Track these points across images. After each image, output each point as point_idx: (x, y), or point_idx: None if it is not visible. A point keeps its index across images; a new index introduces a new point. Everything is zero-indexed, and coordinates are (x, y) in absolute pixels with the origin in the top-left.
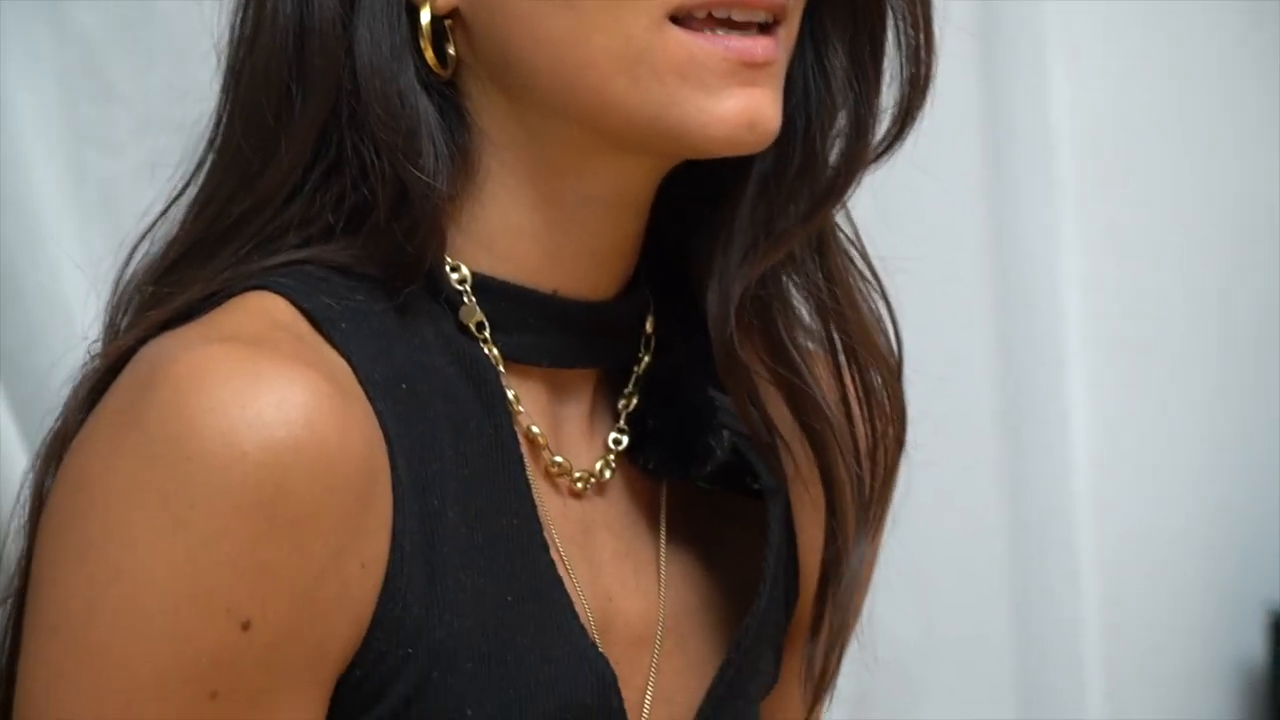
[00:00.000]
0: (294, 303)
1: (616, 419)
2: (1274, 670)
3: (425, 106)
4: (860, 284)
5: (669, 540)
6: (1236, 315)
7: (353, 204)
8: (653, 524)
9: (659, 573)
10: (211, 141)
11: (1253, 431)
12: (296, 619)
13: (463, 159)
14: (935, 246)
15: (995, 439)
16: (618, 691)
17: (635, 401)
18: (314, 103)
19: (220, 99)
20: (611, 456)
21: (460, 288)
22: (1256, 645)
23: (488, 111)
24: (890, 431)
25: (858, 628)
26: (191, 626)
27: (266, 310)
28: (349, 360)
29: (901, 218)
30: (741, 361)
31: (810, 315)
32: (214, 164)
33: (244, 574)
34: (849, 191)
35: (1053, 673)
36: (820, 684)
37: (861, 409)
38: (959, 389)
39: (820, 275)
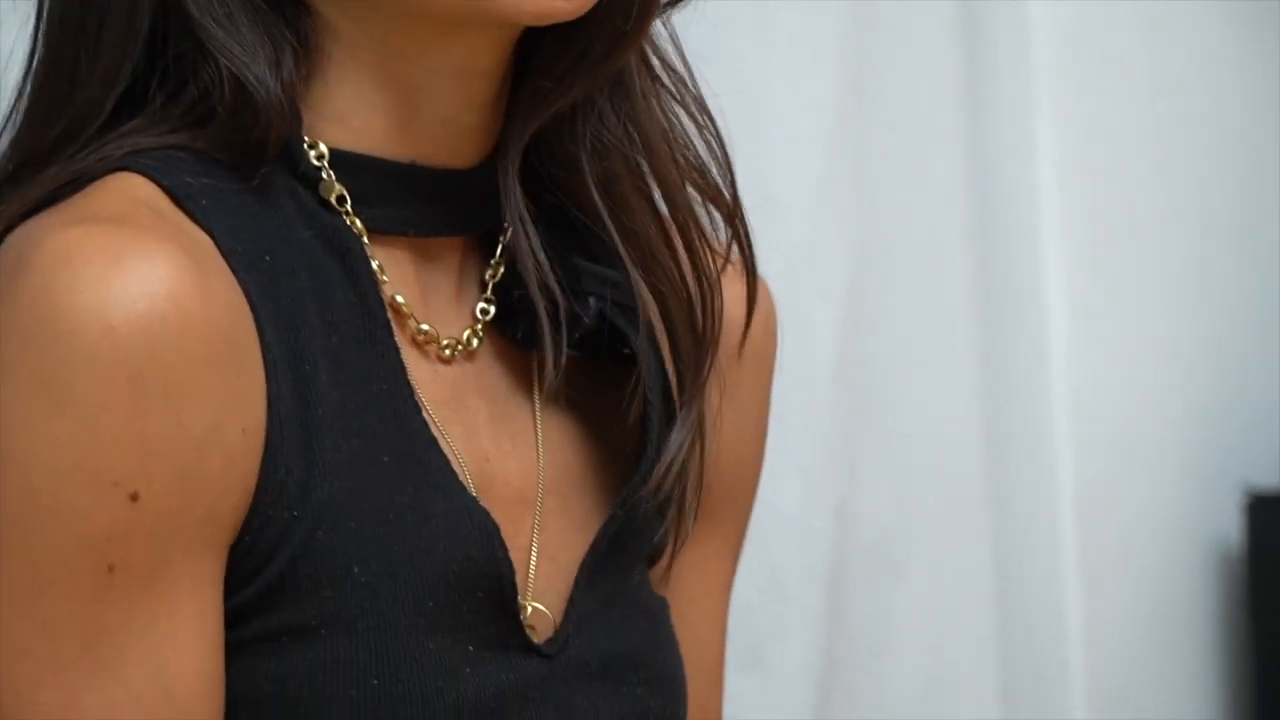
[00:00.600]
0: (154, 180)
1: (484, 289)
2: (1250, 552)
3: (256, 3)
4: (692, 121)
5: (544, 406)
6: (1216, 199)
7: (194, 101)
8: (525, 390)
9: (536, 436)
10: (33, 46)
11: (1229, 313)
12: (184, 488)
13: (303, 47)
14: (907, 129)
15: (972, 324)
16: (502, 542)
17: (502, 272)
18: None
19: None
20: (479, 326)
21: (318, 164)
22: (1232, 527)
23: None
24: (713, 285)
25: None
26: (81, 503)
27: (127, 189)
28: (211, 234)
29: (878, 100)
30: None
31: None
32: (38, 71)
33: (126, 446)
34: (642, 36)
35: (1029, 554)
36: (675, 527)
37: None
38: (934, 274)
39: (630, 123)
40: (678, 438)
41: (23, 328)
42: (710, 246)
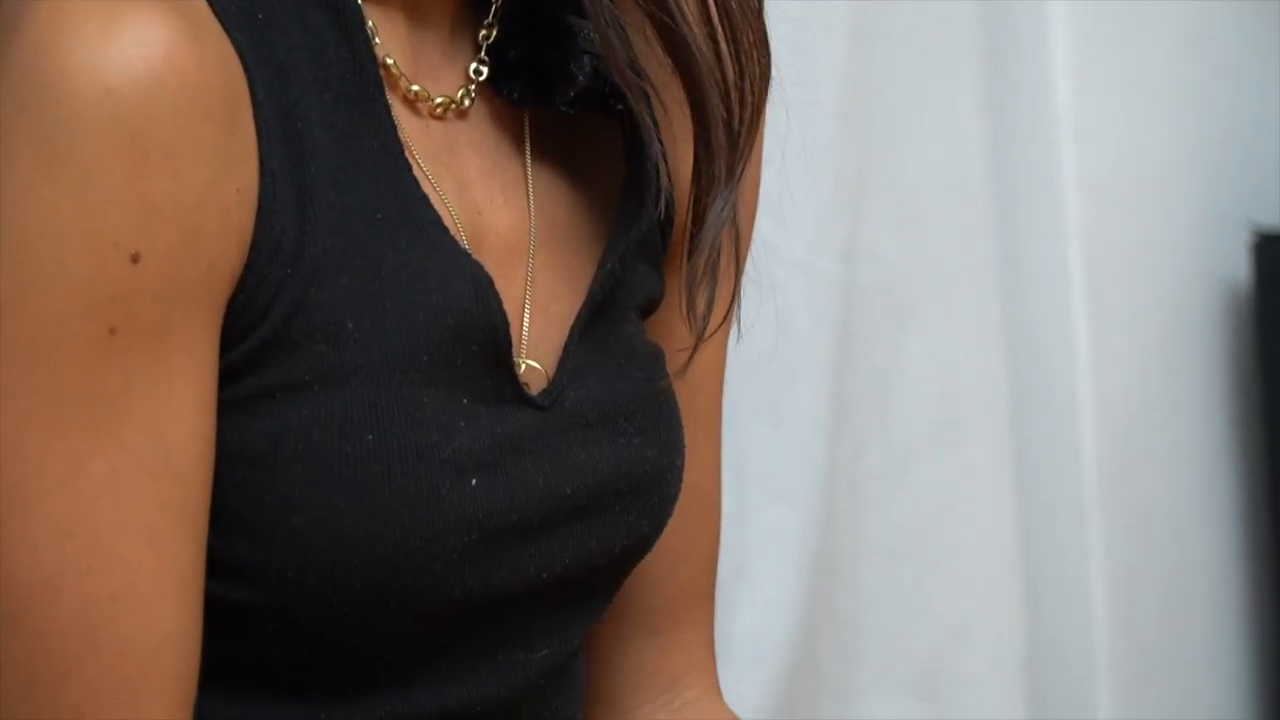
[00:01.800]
0: None
1: (478, 50)
2: (1258, 290)
3: None
4: None
5: (535, 161)
6: None
7: None
8: (517, 146)
9: (527, 189)
10: None
11: (1238, 49)
12: (183, 248)
13: None
14: None
15: (975, 66)
16: (496, 294)
17: (495, 32)
18: None
19: None
20: (473, 87)
21: None
22: (1240, 265)
23: None
24: (756, 64)
25: (749, 257)
26: (82, 265)
27: None
28: None
29: None
30: None
31: None
32: None
33: (126, 207)
34: None
35: (1037, 293)
36: (705, 305)
37: (727, 44)
38: (937, 18)
39: None
40: (723, 198)
41: (19, 92)
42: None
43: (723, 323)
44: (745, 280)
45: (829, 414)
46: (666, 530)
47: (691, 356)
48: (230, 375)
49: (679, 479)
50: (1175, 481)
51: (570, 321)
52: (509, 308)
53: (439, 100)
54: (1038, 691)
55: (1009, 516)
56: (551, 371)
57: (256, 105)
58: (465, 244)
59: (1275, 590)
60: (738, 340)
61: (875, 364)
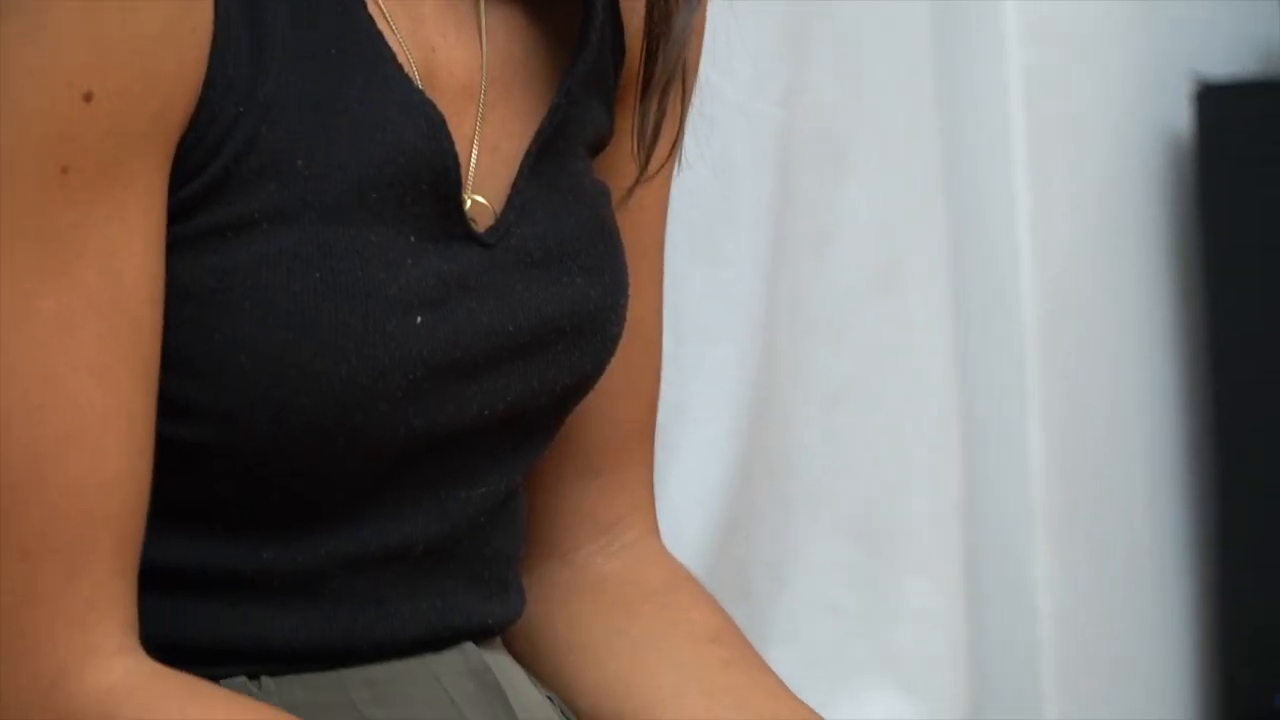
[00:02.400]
0: None
1: None
2: (1200, 141)
3: None
4: None
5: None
6: None
7: None
8: None
9: (480, 26)
10: None
11: None
12: (137, 88)
13: None
14: None
15: None
16: (448, 133)
17: None
18: None
19: None
20: None
21: None
22: (1182, 114)
23: None
24: None
25: (696, 90)
26: (34, 104)
27: None
28: None
29: None
30: None
31: None
32: None
33: (79, 46)
34: None
35: (978, 140)
36: (650, 142)
37: None
38: None
39: None
40: (681, 19)
41: None
42: None
43: (668, 159)
44: (689, 119)
45: (768, 258)
46: (608, 368)
47: (635, 188)
48: (181, 213)
49: (622, 319)
50: (1113, 330)
51: (519, 159)
52: (459, 146)
53: None
54: (974, 538)
55: (947, 363)
56: (499, 208)
57: None
58: (419, 82)
59: (1215, 432)
60: (678, 175)
61: (814, 209)
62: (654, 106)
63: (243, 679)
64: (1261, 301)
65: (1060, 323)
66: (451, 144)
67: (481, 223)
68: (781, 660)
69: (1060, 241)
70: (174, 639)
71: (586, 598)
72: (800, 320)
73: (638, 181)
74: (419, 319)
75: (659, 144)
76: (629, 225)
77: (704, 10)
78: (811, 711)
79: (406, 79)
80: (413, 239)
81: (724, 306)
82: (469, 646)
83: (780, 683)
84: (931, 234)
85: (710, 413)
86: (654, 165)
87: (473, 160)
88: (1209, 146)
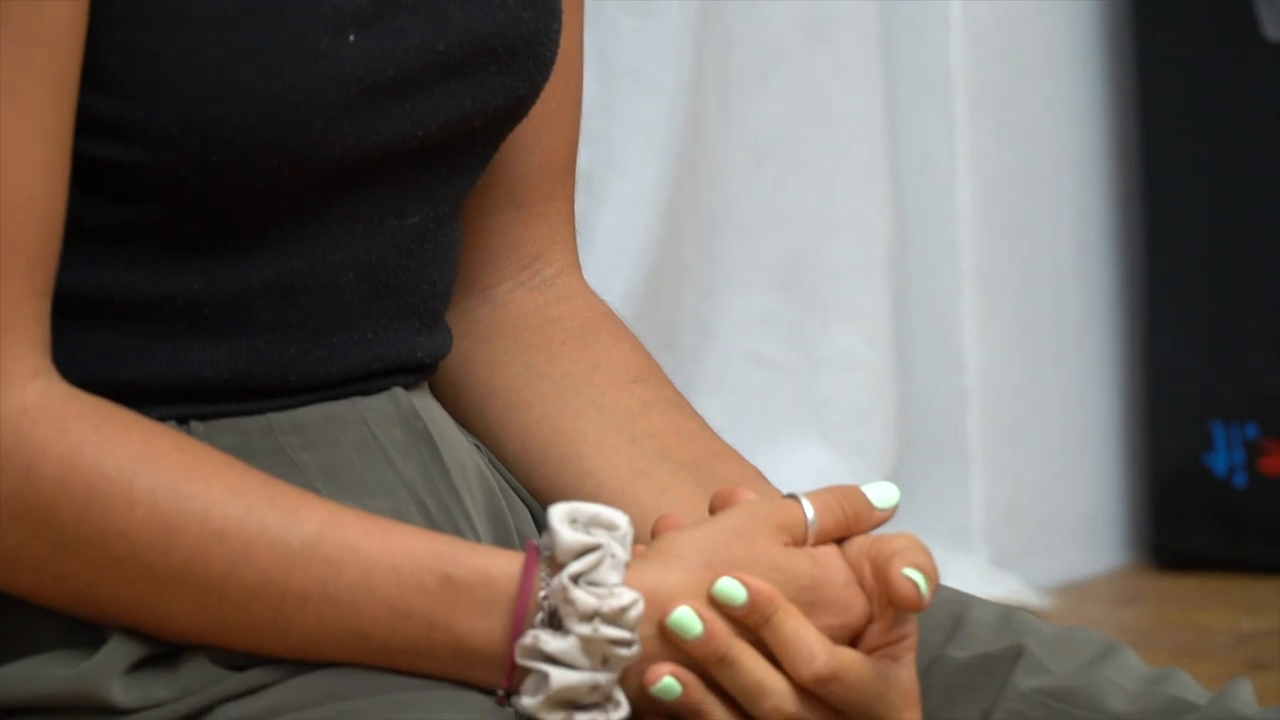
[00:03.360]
0: None
1: None
2: None
3: None
4: None
5: None
6: None
7: None
8: None
9: None
10: None
11: None
12: None
13: None
14: None
15: None
16: None
17: None
18: None
19: None
20: None
21: None
22: None
23: None
24: None
25: None
26: None
27: None
28: None
29: None
30: None
31: None
32: None
33: None
34: None
35: None
36: None
37: None
38: None
39: None
40: None
41: None
42: None
43: None
44: None
45: (698, 8)
46: None
47: None
48: None
49: (555, 43)
50: (1044, 80)
51: None
52: None
53: None
54: (902, 290)
55: (876, 115)
56: None
57: None
58: None
59: (1144, 185)
60: None
61: None
62: None
63: (172, 423)
64: (1188, 50)
65: (989, 71)
66: None
67: None
68: (708, 411)
69: None
70: (102, 376)
71: (508, 336)
72: (729, 71)
73: None
74: (351, 37)
75: None
76: None
77: None
78: (735, 451)
79: None
80: None
81: (654, 56)
82: (398, 391)
83: (704, 424)
84: None
85: (638, 162)
86: None
87: None
88: None
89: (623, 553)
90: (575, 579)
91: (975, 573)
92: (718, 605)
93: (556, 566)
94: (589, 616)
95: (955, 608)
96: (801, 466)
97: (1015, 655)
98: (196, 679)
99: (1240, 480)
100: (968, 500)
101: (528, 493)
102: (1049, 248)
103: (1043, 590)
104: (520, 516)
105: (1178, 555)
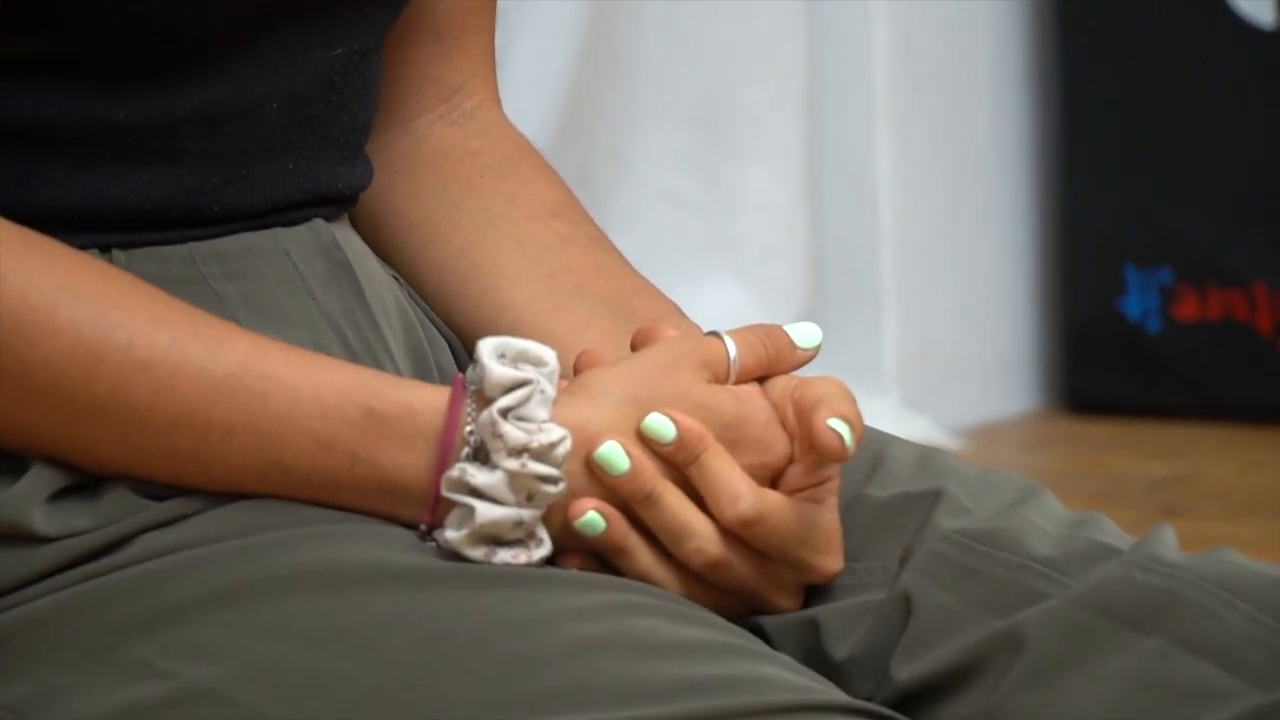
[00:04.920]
0: None
1: None
2: None
3: None
4: None
5: None
6: None
7: None
8: None
9: None
10: None
11: None
12: None
13: None
14: None
15: None
16: None
17: None
18: None
19: None
20: None
21: None
22: None
23: None
24: None
25: None
26: None
27: None
28: None
29: None
30: None
31: None
32: None
33: None
34: None
35: None
36: None
37: None
38: None
39: None
40: None
41: None
42: None
43: None
44: None
45: None
46: None
47: None
48: None
49: None
50: None
51: None
52: None
53: None
54: (816, 129)
55: None
56: None
57: None
58: None
59: (1060, 29)
60: None
61: None
62: None
63: (94, 251)
64: None
65: None
66: None
67: None
68: (622, 248)
69: None
70: (24, 203)
71: (427, 169)
72: None
73: None
74: None
75: None
76: None
77: None
78: (654, 287)
79: None
80: None
81: None
82: (319, 223)
83: (623, 260)
84: None
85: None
86: None
87: None
88: None
89: (551, 389)
90: (504, 414)
91: (887, 413)
92: (645, 442)
93: (484, 401)
94: (517, 452)
95: (874, 446)
96: (714, 304)
97: (935, 496)
98: (117, 508)
99: (1154, 325)
100: (880, 341)
101: (446, 326)
102: (964, 88)
103: (954, 432)
104: (439, 350)
105: (1090, 400)
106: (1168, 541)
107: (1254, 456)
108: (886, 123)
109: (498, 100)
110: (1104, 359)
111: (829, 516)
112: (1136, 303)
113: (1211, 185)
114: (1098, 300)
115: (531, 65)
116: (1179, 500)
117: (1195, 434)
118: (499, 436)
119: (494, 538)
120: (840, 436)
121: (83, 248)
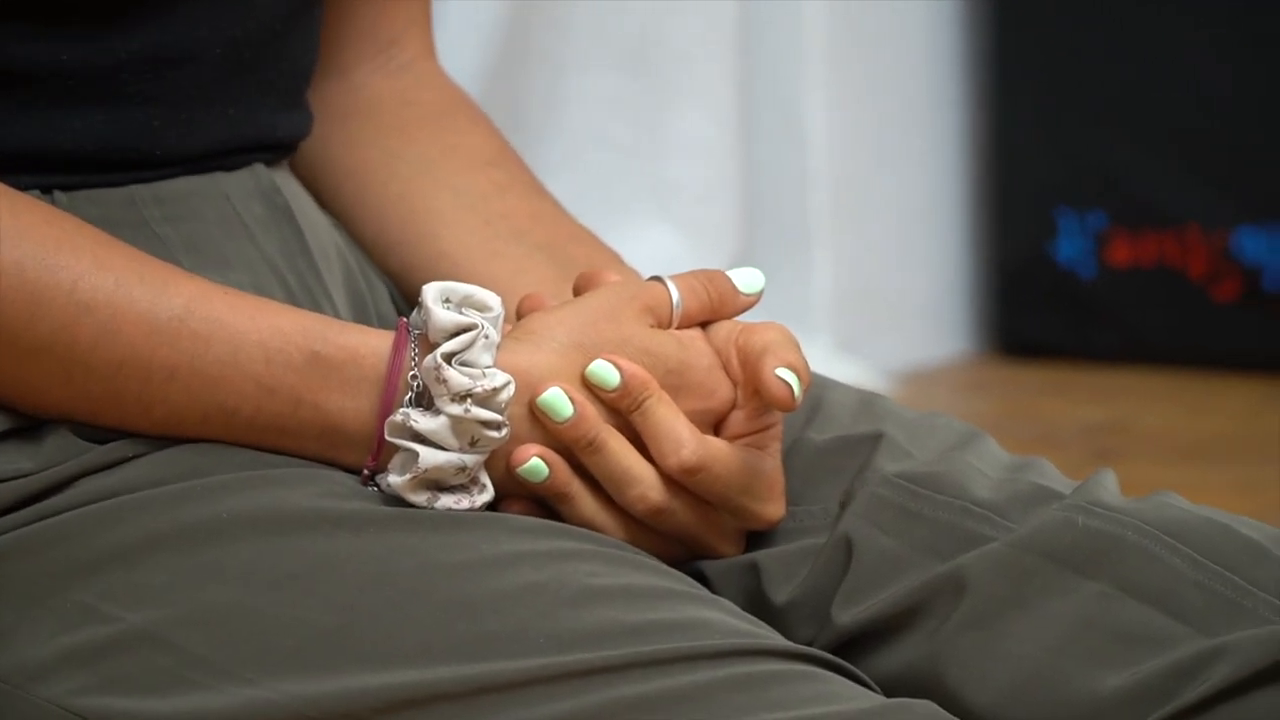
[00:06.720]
0: None
1: None
2: None
3: None
4: None
5: None
6: None
7: None
8: None
9: None
10: None
11: None
12: None
13: None
14: None
15: None
16: None
17: None
18: None
19: None
20: None
21: None
22: None
23: None
24: None
25: None
26: None
27: None
28: None
29: None
30: None
31: None
32: None
33: None
34: None
35: None
36: None
37: None
38: None
39: None
40: None
41: None
42: None
43: None
44: None
45: None
46: None
47: None
48: None
49: None
50: None
51: None
52: None
53: None
54: (748, 70)
55: None
56: None
57: None
58: None
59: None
60: None
61: None
62: None
63: (35, 192)
64: None
65: None
66: None
67: None
68: (555, 193)
69: None
70: None
71: (363, 117)
72: None
73: None
74: None
75: None
76: None
77: None
78: (591, 234)
79: None
80: None
81: None
82: (259, 168)
83: (559, 208)
84: None
85: None
86: None
87: None
88: None
89: (495, 334)
90: (448, 359)
91: (819, 356)
92: (589, 388)
93: (428, 346)
94: (461, 397)
95: (814, 390)
96: (646, 248)
97: (875, 439)
98: (59, 451)
99: (1087, 270)
100: (812, 283)
101: (384, 273)
102: (898, 31)
103: (887, 375)
104: (379, 296)
105: (1023, 343)
106: (1109, 485)
107: (1187, 401)
108: (818, 65)
109: (434, 52)
110: (1037, 303)
111: (771, 463)
112: (1069, 246)
113: (1146, 127)
114: (1030, 243)
115: (464, 12)
116: (1112, 445)
117: (1129, 379)
118: (443, 381)
119: (437, 483)
120: (789, 386)
121: (24, 188)
